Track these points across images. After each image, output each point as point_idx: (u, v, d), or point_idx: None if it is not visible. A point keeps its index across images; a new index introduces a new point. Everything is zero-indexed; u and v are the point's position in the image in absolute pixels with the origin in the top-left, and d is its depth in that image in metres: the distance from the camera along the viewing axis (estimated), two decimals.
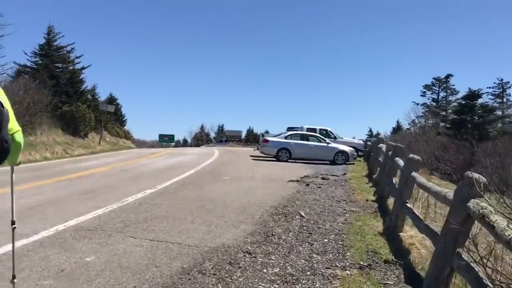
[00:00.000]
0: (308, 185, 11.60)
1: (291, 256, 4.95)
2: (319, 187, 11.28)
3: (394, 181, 9.14)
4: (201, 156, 22.54)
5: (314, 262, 4.80)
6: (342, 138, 26.18)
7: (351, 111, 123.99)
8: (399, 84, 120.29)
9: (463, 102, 21.10)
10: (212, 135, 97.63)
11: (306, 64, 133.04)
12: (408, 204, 6.43)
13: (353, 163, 21.46)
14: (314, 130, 25.31)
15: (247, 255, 4.79)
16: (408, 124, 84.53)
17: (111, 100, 64.93)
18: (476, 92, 22.84)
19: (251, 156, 24.22)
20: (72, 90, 31.92)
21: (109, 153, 25.73)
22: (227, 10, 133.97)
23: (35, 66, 32.36)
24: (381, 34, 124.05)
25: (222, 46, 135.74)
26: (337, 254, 5.14)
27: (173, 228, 5.83)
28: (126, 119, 66.86)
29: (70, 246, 4.78)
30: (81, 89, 33.66)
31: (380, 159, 14.67)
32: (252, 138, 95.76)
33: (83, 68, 34.64)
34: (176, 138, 77.69)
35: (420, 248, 5.70)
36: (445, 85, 47.13)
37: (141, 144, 72.38)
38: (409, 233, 6.43)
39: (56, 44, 34.04)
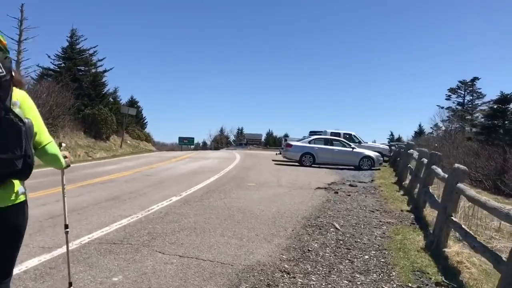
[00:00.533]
0: (337, 193, 11.15)
1: (332, 276, 4.54)
2: (349, 195, 10.83)
3: (431, 191, 8.69)
4: (223, 160, 22.23)
5: (358, 283, 4.38)
6: (366, 142, 25.58)
7: (372, 115, 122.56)
8: (421, 87, 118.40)
9: (495, 106, 20.34)
10: (232, 138, 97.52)
11: (326, 67, 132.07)
12: (453, 218, 5.97)
13: (379, 169, 20.88)
14: (338, 134, 24.79)
15: (285, 275, 4.40)
16: (431, 128, 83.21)
17: (132, 102, 65.38)
18: (509, 96, 22.07)
19: (273, 160, 23.83)
20: (94, 93, 32.04)
21: (131, 157, 25.64)
22: (246, 16, 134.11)
23: (58, 69, 32.59)
24: (402, 36, 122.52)
25: (242, 51, 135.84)
26: (381, 274, 4.71)
27: (202, 242, 5.47)
28: (146, 122, 67.11)
29: (96, 262, 4.45)
30: (103, 92, 33.75)
31: (410, 165, 14.15)
32: (271, 141, 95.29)
33: (105, 71, 34.82)
34: (195, 141, 77.81)
35: (470, 267, 5.23)
36: (471, 88, 45.97)
37: (161, 146, 72.69)
38: (454, 249, 5.95)
39: (79, 47, 34.26)
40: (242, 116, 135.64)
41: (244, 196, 9.57)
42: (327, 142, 21.53)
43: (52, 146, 2.23)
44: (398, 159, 20.25)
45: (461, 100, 46.46)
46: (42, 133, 2.17)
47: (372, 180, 15.23)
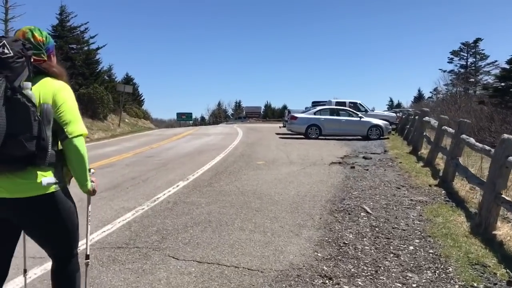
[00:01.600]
0: (353, 167, 10.40)
1: (381, 277, 3.80)
2: (367, 170, 10.08)
3: (461, 162, 7.93)
4: (225, 136, 21.42)
5: (413, 285, 3.65)
6: (373, 110, 24.73)
7: (370, 82, 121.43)
8: (418, 52, 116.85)
9: (508, 67, 19.43)
10: (230, 111, 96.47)
11: (322, 39, 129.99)
12: (504, 196, 5.21)
13: (388, 138, 20.12)
14: (343, 104, 23.90)
15: (327, 282, 3.65)
16: (430, 92, 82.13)
17: (128, 80, 64.18)
18: None
19: (277, 134, 23.03)
20: (88, 71, 30.94)
21: (130, 136, 24.83)
22: None
23: None
24: (401, 1, 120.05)
25: (237, 24, 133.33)
26: (436, 271, 3.97)
27: (221, 239, 4.70)
28: (143, 99, 66.04)
29: (97, 278, 3.66)
30: (97, 70, 32.61)
31: (426, 134, 13.37)
32: (270, 113, 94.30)
33: (98, 48, 33.63)
34: (193, 116, 76.91)
35: None
36: (474, 50, 44.76)
37: (159, 123, 71.87)
38: (505, 231, 5.24)
39: (69, 24, 32.97)
40: (239, 89, 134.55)
41: (256, 177, 8.79)
42: (333, 112, 20.66)
43: (79, 140, 2.15)
44: (408, 126, 19.49)
45: (464, 63, 45.34)
46: (73, 123, 2.14)
47: (385, 151, 14.47)
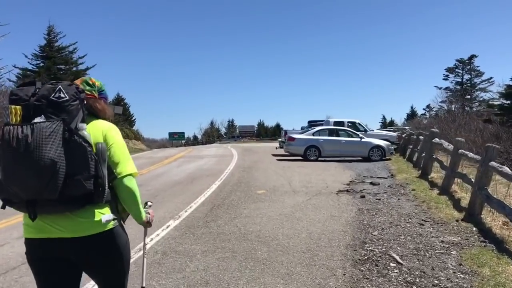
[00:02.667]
0: (363, 196, 9.41)
1: None
2: (379, 199, 9.09)
3: (490, 193, 6.96)
4: (220, 159, 20.38)
5: None
6: (372, 130, 23.87)
7: (362, 99, 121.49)
8: (410, 69, 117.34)
9: None
10: (223, 130, 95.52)
11: (315, 56, 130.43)
12: None
13: (390, 159, 19.21)
14: (341, 123, 22.98)
15: None
16: (423, 109, 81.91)
17: (119, 100, 63.45)
18: None
19: (273, 155, 22.07)
20: None
21: None
22: (233, 9, 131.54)
23: (37, 69, 30.43)
24: (394, 22, 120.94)
25: (229, 43, 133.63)
26: None
27: None
28: (135, 119, 65.21)
29: None
30: None
31: (436, 156, 12.48)
32: (263, 132, 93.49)
33: (87, 68, 32.70)
34: (186, 135, 75.90)
35: None
36: (469, 67, 44.37)
37: (151, 143, 70.71)
38: None
39: (58, 44, 32.18)
40: (232, 107, 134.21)
41: (259, 212, 7.74)
42: (332, 132, 19.76)
43: (129, 179, 2.22)
44: (411, 147, 18.59)
45: (460, 80, 44.89)
46: (122, 164, 2.22)
47: (392, 175, 13.52)
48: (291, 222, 6.99)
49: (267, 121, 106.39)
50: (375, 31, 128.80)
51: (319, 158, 19.02)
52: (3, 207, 2.08)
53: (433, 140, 12.63)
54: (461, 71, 44.76)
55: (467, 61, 44.11)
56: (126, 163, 2.24)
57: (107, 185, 2.12)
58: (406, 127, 43.65)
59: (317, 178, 12.42)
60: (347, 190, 10.27)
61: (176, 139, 66.55)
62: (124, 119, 58.01)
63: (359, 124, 23.45)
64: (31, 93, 2.03)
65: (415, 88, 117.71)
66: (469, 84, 44.06)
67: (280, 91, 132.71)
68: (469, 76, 44.39)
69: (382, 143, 19.39)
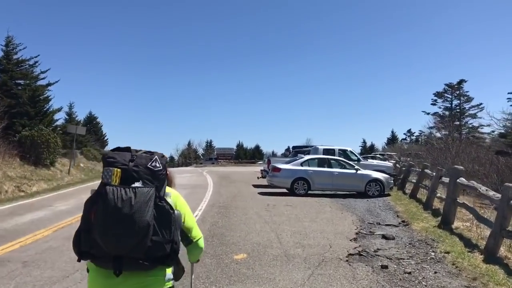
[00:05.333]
0: (385, 267, 6.64)
1: None
2: (408, 272, 6.35)
3: None
4: (191, 191, 17.39)
5: None
6: (366, 159, 21.32)
7: (342, 123, 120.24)
8: (391, 93, 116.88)
9: None
10: (200, 151, 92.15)
11: (295, 79, 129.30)
12: None
13: (389, 194, 16.61)
14: (332, 151, 20.34)
15: None
16: (404, 134, 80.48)
17: (91, 119, 59.88)
18: None
19: (254, 186, 19.24)
20: (34, 110, 26.57)
21: (77, 188, 20.57)
22: (211, 21, 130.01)
23: None
24: (371, 44, 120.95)
25: (208, 64, 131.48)
26: None
27: None
28: (107, 139, 61.72)
29: None
30: (45, 109, 28.24)
31: (461, 201, 9.91)
32: (242, 154, 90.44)
33: (49, 84, 29.32)
34: None
35: None
36: (458, 92, 42.57)
37: None
38: None
39: (17, 57, 28.81)
40: (211, 128, 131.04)
41: None
42: (324, 163, 17.09)
43: (201, 241, 2.54)
44: (415, 181, 16.03)
45: (449, 105, 42.99)
46: (195, 228, 2.50)
47: (404, 222, 10.83)
48: None
49: (246, 142, 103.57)
50: (357, 54, 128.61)
51: (309, 192, 16.31)
52: (79, 260, 2.20)
53: (458, 181, 10.02)
54: (450, 96, 42.95)
55: (456, 86, 42.32)
56: (197, 228, 2.54)
57: (179, 250, 2.25)
58: (393, 153, 41.53)
59: (314, 228, 9.62)
60: (359, 253, 7.47)
61: None
62: (96, 139, 54.50)
63: (351, 152, 20.86)
64: (129, 159, 2.23)
65: (396, 112, 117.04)
66: (458, 110, 42.27)
67: (260, 112, 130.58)
68: (458, 102, 42.65)
69: (381, 176, 16.79)
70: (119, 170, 2.15)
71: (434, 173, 13.20)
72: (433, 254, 7.56)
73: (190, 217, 2.47)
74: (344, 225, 10.18)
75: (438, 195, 12.34)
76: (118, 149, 2.34)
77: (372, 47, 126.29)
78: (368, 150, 78.48)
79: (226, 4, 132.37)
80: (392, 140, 80.00)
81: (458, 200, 10.05)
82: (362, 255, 7.40)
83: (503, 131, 20.07)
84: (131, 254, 2.09)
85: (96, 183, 21.71)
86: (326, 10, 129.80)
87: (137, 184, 2.13)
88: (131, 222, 2.02)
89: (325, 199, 15.03)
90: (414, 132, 79.48)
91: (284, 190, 16.78)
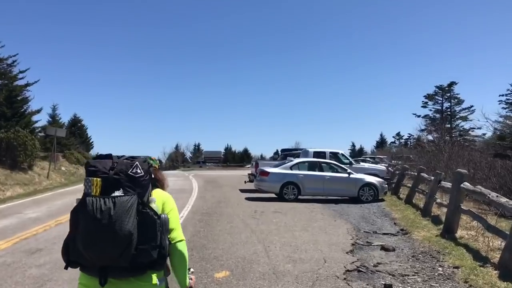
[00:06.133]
0: (389, 287, 5.75)
1: None
2: None
3: None
4: (175, 196, 16.12)
5: None
6: (359, 163, 20.50)
7: (331, 126, 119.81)
8: (380, 96, 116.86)
9: None
10: (188, 154, 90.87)
11: (283, 82, 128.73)
12: None
13: (383, 200, 15.77)
14: (323, 154, 19.46)
15: None
16: (393, 137, 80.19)
17: (75, 121, 58.48)
18: None
19: (241, 191, 18.32)
20: (10, 112, 25.36)
21: (53, 193, 19.43)
22: (201, 32, 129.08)
23: None
24: (360, 47, 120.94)
25: (196, 66, 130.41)
26: None
27: None
28: (92, 142, 60.36)
29: None
30: (23, 110, 26.98)
31: (465, 208, 9.08)
32: (231, 157, 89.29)
33: (27, 84, 28.14)
34: None
35: None
36: (449, 94, 42.01)
37: None
38: None
39: None
40: (199, 131, 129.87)
41: None
42: (314, 166, 16.18)
43: (182, 244, 2.35)
44: (411, 186, 15.21)
45: (439, 107, 42.42)
46: (176, 230, 2.33)
47: (403, 230, 9.95)
48: None
49: (235, 145, 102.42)
50: (346, 57, 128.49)
51: (299, 197, 15.41)
52: (66, 267, 2.18)
53: (463, 186, 9.18)
54: (441, 99, 42.37)
55: (446, 88, 41.78)
56: (180, 229, 2.37)
57: (167, 254, 2.23)
58: (383, 157, 40.86)
59: (305, 238, 8.70)
60: (358, 269, 6.55)
61: None
62: (80, 142, 53.08)
63: (343, 155, 20.01)
64: (109, 167, 2.16)
65: (385, 115, 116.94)
66: (449, 112, 41.73)
67: (248, 115, 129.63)
68: (449, 104, 42.10)
69: (374, 180, 15.94)
70: (99, 179, 2.11)
71: (432, 177, 12.39)
72: (440, 269, 6.68)
73: (175, 218, 2.38)
74: (338, 234, 9.28)
75: (438, 200, 11.51)
76: (99, 156, 2.30)
77: (361, 50, 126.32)
78: (357, 153, 77.96)
79: (211, 4, 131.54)
80: (381, 143, 79.70)
81: (462, 207, 9.22)
82: (361, 271, 6.49)
83: (499, 133, 19.37)
84: (117, 264, 2.06)
85: (76, 188, 20.56)
86: (314, 14, 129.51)
87: (117, 193, 2.08)
88: (111, 233, 1.99)
89: (316, 205, 14.14)
90: (403, 135, 79.34)
91: (273, 195, 15.89)
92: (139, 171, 2.16)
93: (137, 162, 2.21)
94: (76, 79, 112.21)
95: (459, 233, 9.08)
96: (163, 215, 2.21)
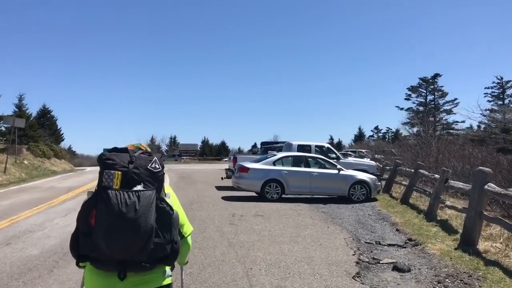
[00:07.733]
0: None
1: None
2: None
3: None
4: None
5: None
6: (347, 157, 18.86)
7: (309, 119, 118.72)
8: (359, 89, 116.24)
9: None
10: (164, 147, 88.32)
11: (262, 74, 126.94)
12: None
13: (376, 199, 14.17)
14: (308, 147, 17.73)
15: None
16: (371, 131, 79.42)
17: (45, 112, 55.79)
18: None
19: (217, 188, 16.49)
20: None
21: (6, 191, 17.25)
22: (180, 24, 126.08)
23: None
24: (341, 36, 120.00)
25: (173, 58, 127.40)
26: None
27: None
28: (63, 134, 57.64)
29: None
30: None
31: (488, 214, 7.47)
32: (208, 150, 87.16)
33: None
34: None
35: None
36: (433, 86, 40.83)
37: (84, 160, 62.88)
38: None
39: None
40: (175, 123, 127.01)
41: None
42: (300, 161, 14.41)
43: (190, 238, 2.42)
44: (407, 184, 13.66)
45: (423, 100, 41.19)
46: (186, 224, 2.38)
47: (410, 240, 8.28)
48: None
49: (212, 138, 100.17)
50: (324, 47, 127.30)
51: (283, 196, 13.67)
52: (77, 263, 2.12)
53: (487, 187, 7.53)
54: (425, 91, 41.15)
55: (430, 80, 40.55)
56: (188, 223, 2.41)
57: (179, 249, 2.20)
58: (364, 150, 39.53)
59: (297, 255, 6.93)
60: None
61: None
62: (50, 134, 50.35)
63: (329, 149, 18.33)
64: (128, 161, 2.13)
65: (364, 108, 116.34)
66: (433, 105, 40.56)
67: (225, 107, 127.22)
68: (433, 97, 40.93)
69: (366, 177, 14.30)
70: (119, 173, 2.07)
71: (438, 176, 10.80)
72: None
73: (182, 214, 2.36)
74: (336, 247, 7.54)
75: (447, 203, 9.90)
76: (115, 149, 2.25)
77: (342, 43, 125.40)
78: (336, 147, 76.94)
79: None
80: (360, 137, 78.82)
81: (485, 213, 7.61)
82: None
83: (494, 125, 18.00)
84: (135, 258, 2.04)
85: (35, 183, 18.36)
86: (290, 5, 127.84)
87: (138, 187, 2.06)
88: (136, 227, 1.97)
89: (303, 206, 12.42)
90: (382, 129, 78.64)
91: (253, 194, 14.12)
92: (157, 166, 2.15)
93: (155, 157, 2.22)
94: (45, 69, 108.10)
95: (481, 245, 7.48)
96: (175, 212, 2.19)
